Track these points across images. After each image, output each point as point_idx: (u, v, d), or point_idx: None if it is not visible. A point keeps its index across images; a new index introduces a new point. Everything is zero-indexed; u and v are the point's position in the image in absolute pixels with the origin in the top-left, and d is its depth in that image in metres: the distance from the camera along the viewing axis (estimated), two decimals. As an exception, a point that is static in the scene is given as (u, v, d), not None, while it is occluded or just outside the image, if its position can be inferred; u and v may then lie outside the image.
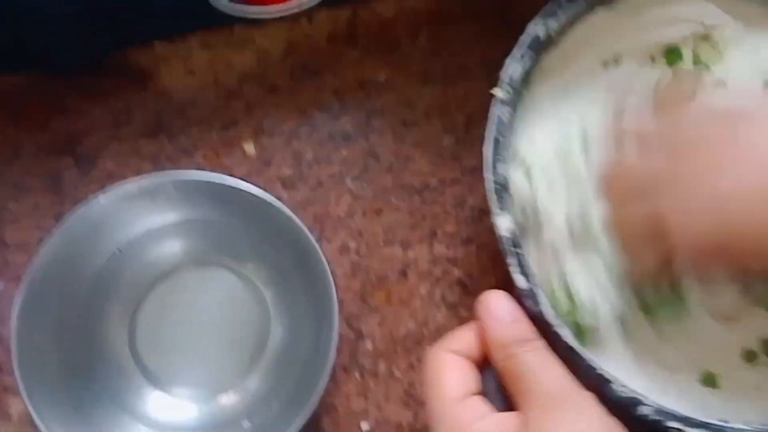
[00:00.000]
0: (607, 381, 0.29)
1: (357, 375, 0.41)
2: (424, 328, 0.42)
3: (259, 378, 0.39)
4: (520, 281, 0.30)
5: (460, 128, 0.45)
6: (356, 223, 0.43)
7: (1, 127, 0.43)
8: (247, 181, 0.43)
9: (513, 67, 0.34)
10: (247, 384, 0.39)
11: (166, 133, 0.43)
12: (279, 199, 0.42)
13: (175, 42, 0.44)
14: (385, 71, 0.45)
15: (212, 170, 0.43)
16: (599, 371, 0.29)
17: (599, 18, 0.36)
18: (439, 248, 0.43)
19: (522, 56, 0.34)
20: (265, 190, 0.38)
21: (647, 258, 0.30)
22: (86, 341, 0.38)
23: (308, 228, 0.40)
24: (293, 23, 0.45)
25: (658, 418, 0.29)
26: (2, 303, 0.40)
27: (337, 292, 0.39)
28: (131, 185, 0.36)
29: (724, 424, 0.29)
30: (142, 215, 0.38)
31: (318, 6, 0.43)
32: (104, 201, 0.35)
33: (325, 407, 0.40)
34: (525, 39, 0.34)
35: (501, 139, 0.33)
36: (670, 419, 0.29)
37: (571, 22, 0.35)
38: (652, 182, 0.30)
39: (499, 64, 0.35)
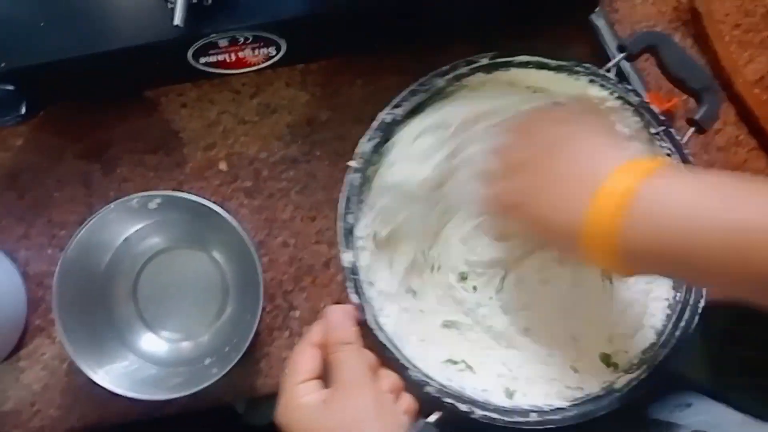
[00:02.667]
0: (404, 367, 0.45)
1: (287, 334, 0.58)
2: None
3: (216, 330, 0.57)
4: (353, 298, 0.46)
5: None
6: (296, 225, 0.59)
7: (51, 137, 0.60)
8: (220, 190, 0.59)
9: (365, 146, 0.49)
10: (206, 334, 0.57)
11: (165, 150, 0.60)
12: (242, 205, 0.59)
13: (173, 84, 0.59)
14: (326, 112, 0.59)
15: (195, 180, 0.59)
16: (401, 361, 0.45)
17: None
18: (353, 250, 0.58)
19: (371, 138, 0.48)
20: (219, 204, 0.53)
21: None
22: (105, 295, 0.57)
23: (260, 227, 0.56)
24: (260, 73, 0.59)
25: (438, 395, 0.44)
26: (52, 264, 0.59)
27: (274, 276, 0.55)
28: (132, 200, 0.52)
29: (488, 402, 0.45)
30: (140, 216, 0.55)
31: (278, 62, 0.57)
32: (113, 208, 0.52)
33: (261, 354, 0.58)
34: (375, 124, 0.48)
35: (352, 197, 0.47)
36: (447, 396, 0.44)
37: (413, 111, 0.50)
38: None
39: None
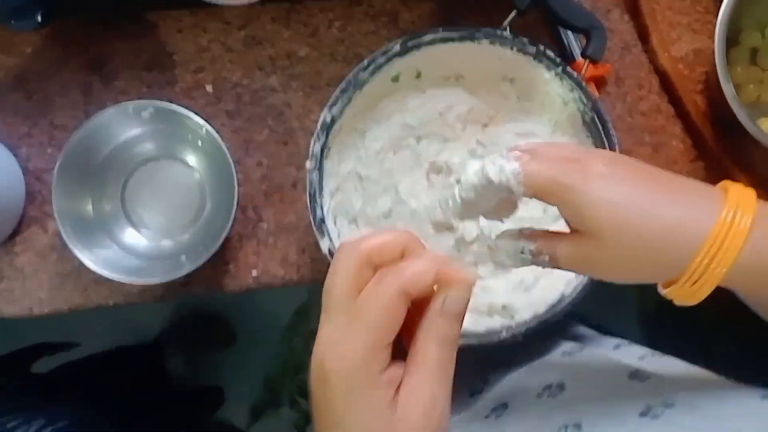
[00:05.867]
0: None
1: (254, 243, 0.67)
2: (301, 222, 0.67)
3: (193, 232, 0.65)
4: (324, 248, 0.54)
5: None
6: (270, 147, 0.67)
7: (57, 48, 0.67)
8: (205, 110, 0.67)
9: (315, 147, 0.56)
10: (185, 234, 0.65)
11: (159, 68, 0.67)
12: (223, 125, 0.66)
13: (172, 9, 0.66)
14: (305, 48, 0.67)
15: (184, 99, 0.67)
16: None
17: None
18: (319, 173, 0.66)
19: (318, 139, 0.55)
20: (207, 119, 0.61)
21: None
22: (96, 192, 0.64)
23: (237, 146, 0.64)
24: (250, 7, 0.66)
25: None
26: (50, 162, 0.66)
27: (246, 191, 0.63)
28: (128, 105, 0.59)
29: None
30: (134, 123, 0.62)
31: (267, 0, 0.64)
32: (112, 111, 0.60)
33: (231, 257, 0.66)
34: (318, 125, 0.55)
35: (315, 192, 0.55)
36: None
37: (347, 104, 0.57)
38: None
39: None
